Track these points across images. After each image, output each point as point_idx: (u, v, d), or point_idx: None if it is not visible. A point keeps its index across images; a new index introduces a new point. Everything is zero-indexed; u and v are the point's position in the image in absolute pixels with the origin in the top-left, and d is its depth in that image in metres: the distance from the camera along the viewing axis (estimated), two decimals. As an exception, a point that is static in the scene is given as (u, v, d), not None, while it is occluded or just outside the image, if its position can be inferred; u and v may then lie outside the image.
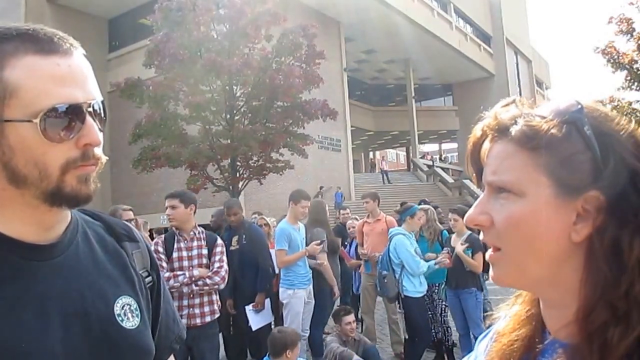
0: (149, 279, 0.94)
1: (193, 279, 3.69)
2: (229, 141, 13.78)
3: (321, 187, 21.68)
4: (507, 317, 0.71)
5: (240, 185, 14.71)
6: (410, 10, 26.90)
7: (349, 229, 6.68)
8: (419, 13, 27.89)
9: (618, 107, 13.53)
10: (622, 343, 0.53)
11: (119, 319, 0.81)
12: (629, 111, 13.58)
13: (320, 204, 5.77)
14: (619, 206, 0.55)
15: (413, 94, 33.10)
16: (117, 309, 0.82)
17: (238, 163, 14.39)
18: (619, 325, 0.53)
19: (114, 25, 24.98)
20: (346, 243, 6.92)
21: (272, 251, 5.53)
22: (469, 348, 5.30)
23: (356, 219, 7.03)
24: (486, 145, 0.64)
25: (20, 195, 0.72)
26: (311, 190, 19.97)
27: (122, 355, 0.81)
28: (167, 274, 3.62)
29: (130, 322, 0.83)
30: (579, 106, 0.59)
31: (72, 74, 0.72)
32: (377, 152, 50.65)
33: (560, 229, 0.58)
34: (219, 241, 4.00)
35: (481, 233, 0.64)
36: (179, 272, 3.69)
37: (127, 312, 0.83)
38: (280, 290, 4.99)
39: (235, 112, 14.37)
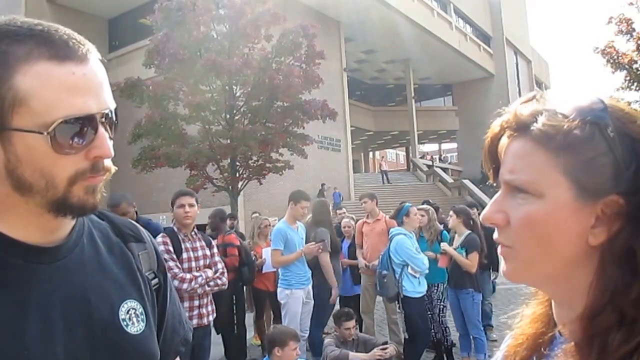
0: (155, 280, 0.91)
1: (207, 279, 3.77)
2: (228, 141, 13.77)
3: (323, 184, 21.68)
4: (524, 315, 0.71)
5: (239, 185, 14.70)
6: (410, 10, 26.91)
7: (344, 228, 6.70)
8: (419, 13, 27.90)
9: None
10: (622, 348, 0.52)
11: (123, 323, 0.79)
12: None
13: (324, 204, 5.78)
14: (637, 212, 0.54)
15: (413, 94, 33.09)
16: (122, 313, 0.80)
17: (238, 163, 14.38)
18: (622, 330, 0.53)
19: (114, 25, 24.98)
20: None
21: (268, 250, 5.57)
22: (468, 348, 5.32)
23: (352, 219, 7.02)
24: (504, 140, 0.62)
25: (24, 203, 0.70)
26: (311, 190, 19.95)
27: None
28: (187, 276, 3.64)
29: (135, 326, 0.81)
30: (603, 106, 0.57)
31: (86, 83, 0.68)
32: (377, 152, 50.67)
33: (578, 231, 0.56)
34: (213, 242, 4.09)
35: (495, 232, 0.63)
36: (196, 274, 3.73)
37: (132, 317, 0.81)
38: (278, 290, 4.99)
39: (235, 112, 14.36)
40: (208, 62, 12.97)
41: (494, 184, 0.65)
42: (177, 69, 13.48)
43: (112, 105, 0.73)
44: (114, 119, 0.74)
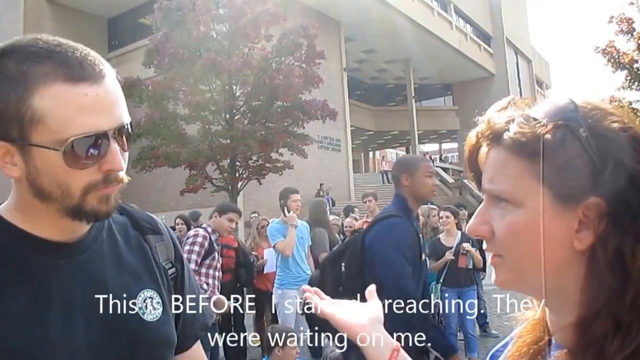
0: (172, 270, 0.98)
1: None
2: (228, 141, 13.79)
3: (321, 184, 21.64)
4: (524, 319, 0.70)
5: (239, 185, 14.71)
6: (410, 10, 26.90)
7: (346, 227, 6.73)
8: (419, 13, 27.89)
9: (618, 107, 13.57)
10: (619, 354, 0.51)
11: (140, 312, 0.86)
12: (630, 111, 13.62)
13: (320, 204, 5.81)
14: (620, 212, 0.53)
15: (413, 94, 33.08)
16: (139, 302, 0.86)
17: (237, 163, 14.39)
18: (618, 336, 0.51)
19: (113, 24, 24.96)
20: None
21: (270, 250, 5.57)
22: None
23: (355, 218, 7.05)
24: (483, 150, 0.62)
25: (45, 207, 0.78)
26: (311, 190, 19.94)
27: (143, 346, 0.85)
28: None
29: (152, 314, 0.87)
30: (573, 106, 0.56)
31: (99, 103, 0.74)
32: (377, 152, 50.68)
33: (561, 237, 0.55)
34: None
35: (484, 242, 0.63)
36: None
37: (149, 305, 0.87)
38: (273, 290, 5.05)
39: (235, 112, 14.37)
40: (208, 62, 12.98)
41: (479, 192, 0.65)
42: (176, 69, 13.50)
43: (127, 119, 0.79)
44: (128, 131, 0.80)
